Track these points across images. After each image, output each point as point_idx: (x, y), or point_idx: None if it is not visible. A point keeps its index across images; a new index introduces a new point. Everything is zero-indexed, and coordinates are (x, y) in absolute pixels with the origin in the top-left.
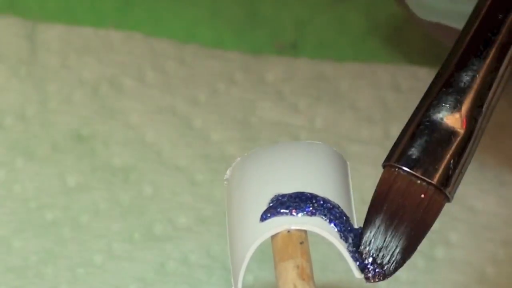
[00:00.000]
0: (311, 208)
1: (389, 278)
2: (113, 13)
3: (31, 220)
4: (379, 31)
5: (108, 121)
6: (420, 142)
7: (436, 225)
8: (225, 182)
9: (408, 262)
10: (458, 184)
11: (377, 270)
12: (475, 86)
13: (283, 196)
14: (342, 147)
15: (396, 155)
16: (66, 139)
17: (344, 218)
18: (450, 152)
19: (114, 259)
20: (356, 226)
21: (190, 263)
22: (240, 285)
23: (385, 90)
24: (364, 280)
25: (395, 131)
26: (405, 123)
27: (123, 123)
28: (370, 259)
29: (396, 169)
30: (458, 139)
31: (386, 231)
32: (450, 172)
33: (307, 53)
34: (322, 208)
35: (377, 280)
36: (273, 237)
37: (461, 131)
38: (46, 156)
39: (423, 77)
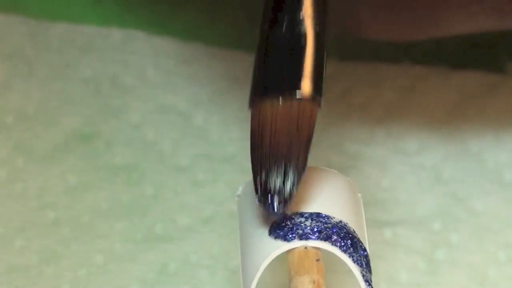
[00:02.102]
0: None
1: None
2: (116, 12)
3: (33, 219)
4: None
5: (111, 120)
6: (270, 67)
7: (437, 227)
8: (236, 198)
9: (409, 264)
10: (320, 84)
11: (275, 198)
12: None
13: (302, 214)
14: (343, 147)
15: (253, 91)
16: (68, 138)
17: (358, 243)
18: (298, 61)
19: (116, 259)
20: (368, 251)
21: (192, 263)
22: None
23: (385, 90)
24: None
25: (397, 130)
26: (406, 122)
27: (125, 122)
28: (270, 194)
29: (259, 103)
30: (303, 48)
31: (273, 160)
32: (307, 78)
33: None
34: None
35: (281, 211)
36: (289, 250)
37: (303, 41)
38: (48, 155)
39: (424, 76)
